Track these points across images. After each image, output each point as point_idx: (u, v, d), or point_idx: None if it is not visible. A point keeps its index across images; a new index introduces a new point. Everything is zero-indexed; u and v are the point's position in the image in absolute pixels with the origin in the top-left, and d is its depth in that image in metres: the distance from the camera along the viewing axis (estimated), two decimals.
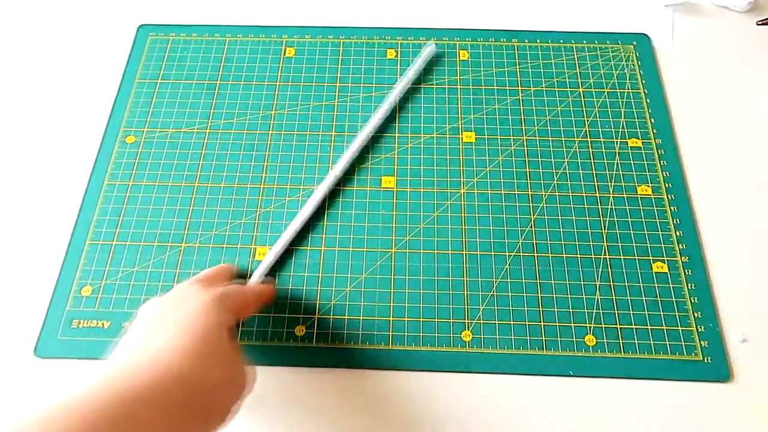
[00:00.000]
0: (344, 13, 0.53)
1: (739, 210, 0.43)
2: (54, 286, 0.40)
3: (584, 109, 0.47)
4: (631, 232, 0.42)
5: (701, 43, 0.51)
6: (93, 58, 0.50)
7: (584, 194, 0.43)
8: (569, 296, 0.39)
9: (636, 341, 0.38)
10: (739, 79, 0.49)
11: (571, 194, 0.43)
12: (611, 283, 0.40)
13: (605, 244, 0.41)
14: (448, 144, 0.46)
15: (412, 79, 0.48)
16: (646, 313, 0.39)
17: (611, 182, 0.44)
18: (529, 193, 0.43)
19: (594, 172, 0.44)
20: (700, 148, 0.45)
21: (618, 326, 0.38)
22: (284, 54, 0.50)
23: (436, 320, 0.39)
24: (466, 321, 0.39)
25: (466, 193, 0.43)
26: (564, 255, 0.41)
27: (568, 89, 0.48)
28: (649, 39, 0.51)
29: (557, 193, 0.43)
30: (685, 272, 0.40)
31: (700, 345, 0.38)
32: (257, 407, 0.36)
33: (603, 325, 0.38)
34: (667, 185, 0.43)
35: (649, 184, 0.43)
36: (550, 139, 0.46)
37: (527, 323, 0.38)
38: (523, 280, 0.40)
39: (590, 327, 0.38)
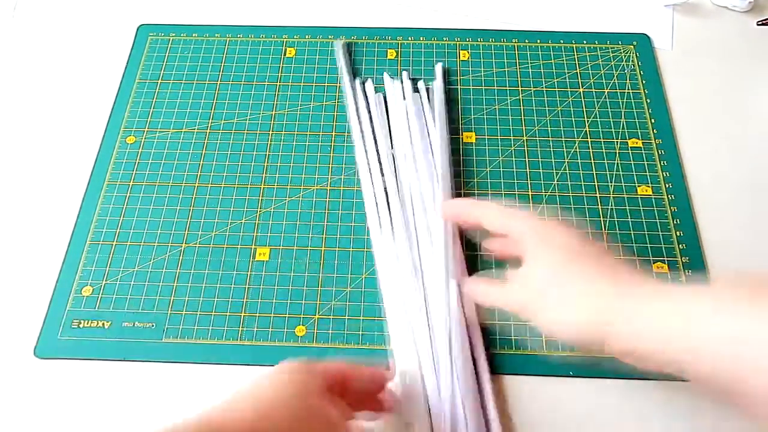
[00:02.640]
0: (344, 13, 0.53)
1: (739, 210, 0.43)
2: (54, 286, 0.40)
3: (584, 109, 0.47)
4: (631, 232, 0.42)
5: (701, 43, 0.51)
6: (93, 58, 0.50)
7: (584, 194, 0.43)
8: None
9: None
10: (739, 79, 0.49)
11: (571, 194, 0.43)
12: None
13: (605, 244, 0.41)
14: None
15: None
16: None
17: (611, 182, 0.44)
18: (529, 193, 0.43)
19: (594, 172, 0.44)
20: (700, 148, 0.45)
21: None
22: (284, 54, 0.50)
23: None
24: None
25: (466, 193, 0.43)
26: None
27: (568, 89, 0.48)
28: (649, 39, 0.51)
29: (557, 193, 0.43)
30: (685, 273, 0.40)
31: None
32: None
33: None
34: (667, 185, 0.43)
35: (649, 184, 0.43)
36: (550, 139, 0.46)
37: (527, 323, 0.38)
38: None
39: None
